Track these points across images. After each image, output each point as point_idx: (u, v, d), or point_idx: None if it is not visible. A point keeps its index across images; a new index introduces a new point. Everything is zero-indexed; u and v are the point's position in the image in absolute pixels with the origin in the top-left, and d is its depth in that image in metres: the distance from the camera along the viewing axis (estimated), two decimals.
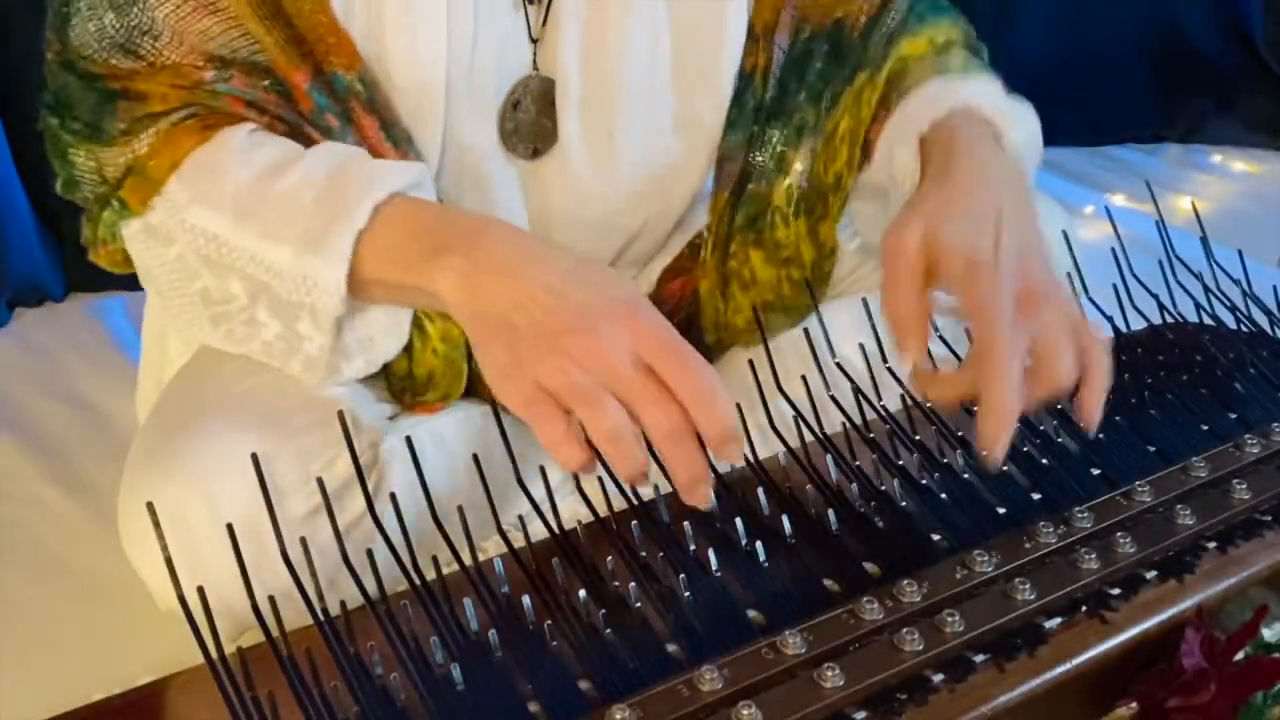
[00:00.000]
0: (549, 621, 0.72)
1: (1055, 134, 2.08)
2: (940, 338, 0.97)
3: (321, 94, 0.84)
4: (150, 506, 0.69)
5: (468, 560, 0.74)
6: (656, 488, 0.83)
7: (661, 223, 1.00)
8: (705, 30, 0.95)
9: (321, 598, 0.69)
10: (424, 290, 0.77)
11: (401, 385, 0.92)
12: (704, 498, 0.71)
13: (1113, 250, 1.07)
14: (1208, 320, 1.06)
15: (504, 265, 0.74)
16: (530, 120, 0.93)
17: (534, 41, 0.91)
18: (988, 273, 0.77)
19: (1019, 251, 0.78)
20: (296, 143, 0.84)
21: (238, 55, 0.84)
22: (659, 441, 0.70)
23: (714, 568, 0.77)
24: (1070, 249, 1.05)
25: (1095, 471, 0.87)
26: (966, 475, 0.86)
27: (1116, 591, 0.75)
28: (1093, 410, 0.79)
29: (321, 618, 0.69)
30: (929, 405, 0.86)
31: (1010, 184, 0.85)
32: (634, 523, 0.79)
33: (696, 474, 0.70)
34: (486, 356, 0.73)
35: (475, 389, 0.95)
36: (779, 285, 0.97)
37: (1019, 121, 0.91)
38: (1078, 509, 0.81)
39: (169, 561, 0.68)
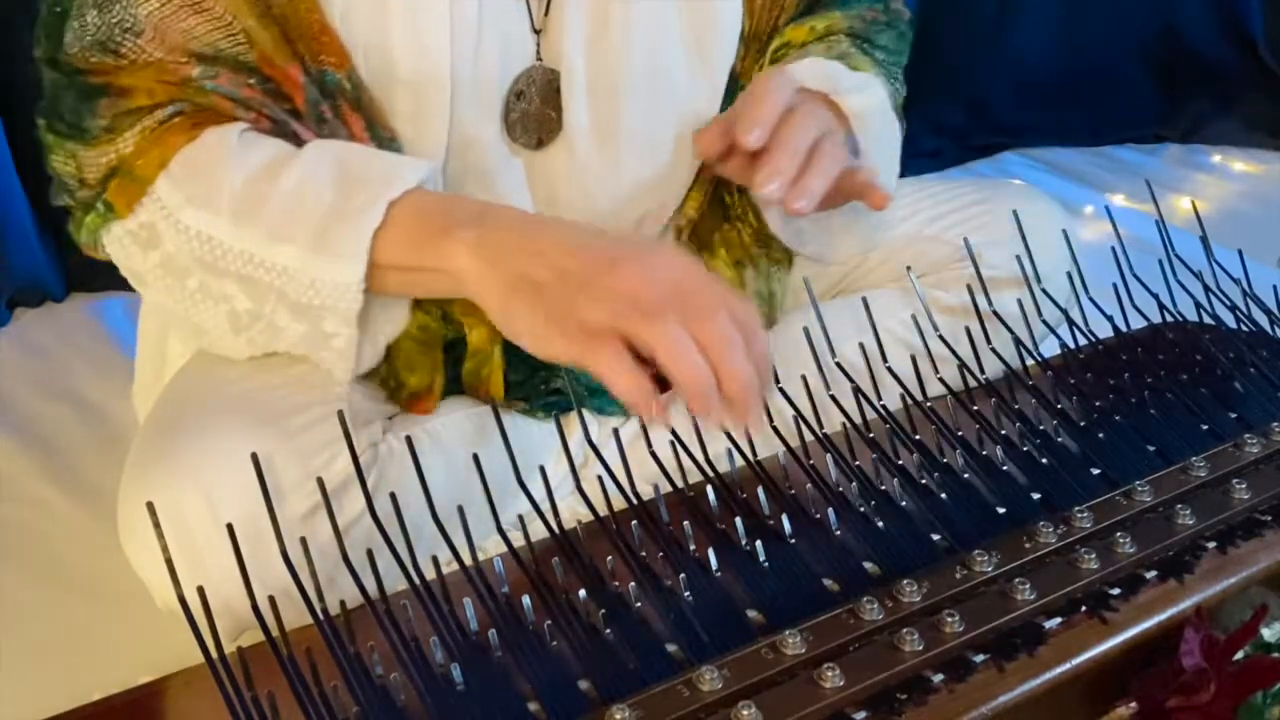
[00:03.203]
0: (549, 621, 0.72)
1: (1055, 134, 2.10)
2: (941, 337, 0.97)
3: (315, 87, 0.85)
4: (150, 506, 0.69)
5: (468, 560, 0.74)
6: (656, 488, 0.83)
7: (659, 216, 1.00)
8: (705, 19, 0.96)
9: (321, 597, 0.70)
10: (440, 269, 0.78)
11: (384, 376, 0.93)
12: (757, 415, 0.72)
13: (1113, 250, 1.07)
14: (1208, 320, 1.06)
15: (514, 228, 0.76)
16: (534, 111, 0.93)
17: (536, 32, 0.92)
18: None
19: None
20: (287, 142, 0.84)
21: (222, 54, 0.83)
22: (713, 349, 0.69)
23: (714, 568, 0.77)
24: (1070, 249, 1.06)
25: (1095, 471, 0.87)
26: (966, 475, 0.86)
27: (1116, 591, 0.75)
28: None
29: (321, 617, 0.69)
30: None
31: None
32: (634, 523, 0.79)
33: (751, 381, 0.70)
34: (516, 318, 0.74)
35: (471, 389, 0.95)
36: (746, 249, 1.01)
37: (855, 92, 0.96)
38: (1078, 509, 0.81)
39: (169, 561, 0.68)
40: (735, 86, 1.00)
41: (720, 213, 1.02)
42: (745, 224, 1.01)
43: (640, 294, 0.70)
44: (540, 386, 0.96)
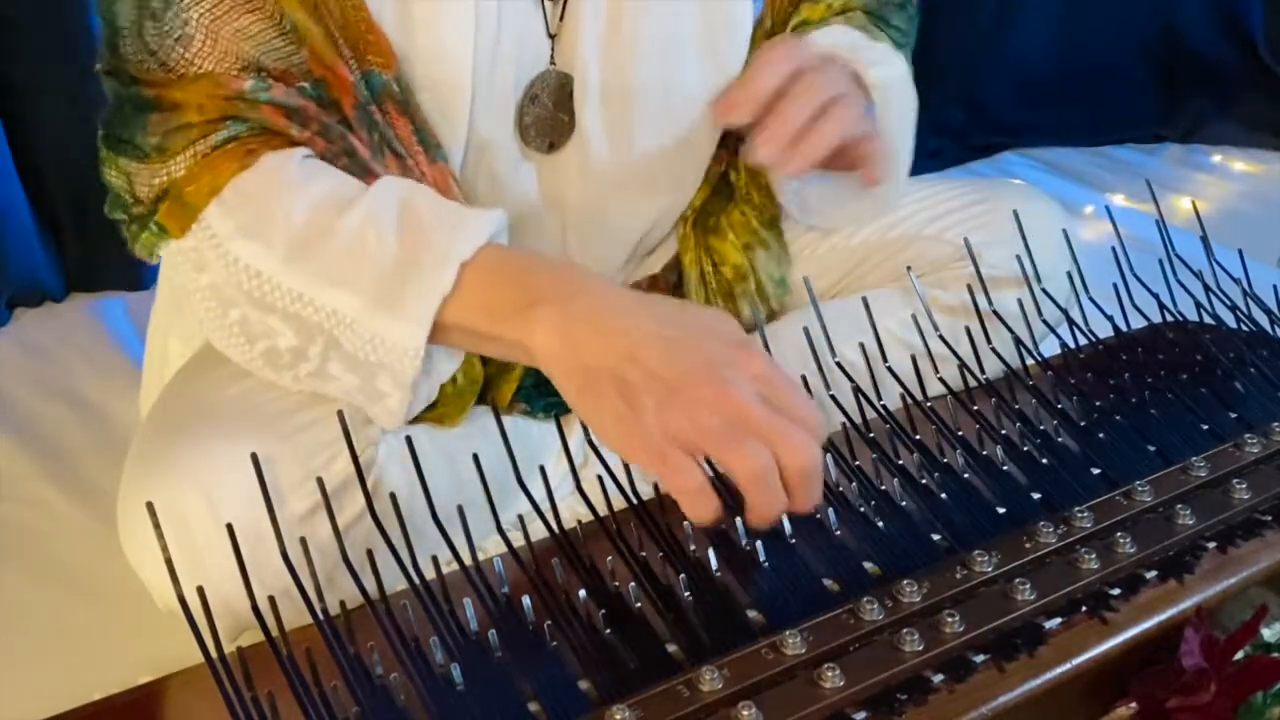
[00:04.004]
0: (549, 621, 0.72)
1: (1055, 134, 2.10)
2: (941, 337, 0.97)
3: (365, 87, 0.83)
4: (150, 506, 0.69)
5: (468, 560, 0.74)
6: (656, 487, 0.83)
7: (671, 215, 1.01)
8: (720, 21, 0.96)
9: (321, 597, 0.70)
10: (513, 341, 0.75)
11: None
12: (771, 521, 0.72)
13: (1113, 250, 1.07)
14: (1208, 320, 1.06)
15: (603, 316, 0.73)
16: (547, 115, 0.93)
17: (551, 37, 0.92)
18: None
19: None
20: (346, 161, 0.83)
21: (274, 57, 0.81)
22: (795, 478, 0.69)
23: (714, 568, 0.77)
24: (1070, 249, 1.06)
25: (1095, 471, 0.87)
26: (966, 475, 0.86)
27: (1116, 591, 0.75)
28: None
29: (321, 617, 0.69)
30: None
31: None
32: (634, 523, 0.79)
33: (812, 506, 0.71)
34: (597, 410, 0.71)
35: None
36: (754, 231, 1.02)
37: (879, 64, 0.97)
38: (1078, 509, 0.81)
39: (169, 561, 0.68)
40: None
41: (727, 194, 1.02)
42: (752, 206, 1.02)
43: (730, 411, 0.69)
44: (549, 389, 0.96)
